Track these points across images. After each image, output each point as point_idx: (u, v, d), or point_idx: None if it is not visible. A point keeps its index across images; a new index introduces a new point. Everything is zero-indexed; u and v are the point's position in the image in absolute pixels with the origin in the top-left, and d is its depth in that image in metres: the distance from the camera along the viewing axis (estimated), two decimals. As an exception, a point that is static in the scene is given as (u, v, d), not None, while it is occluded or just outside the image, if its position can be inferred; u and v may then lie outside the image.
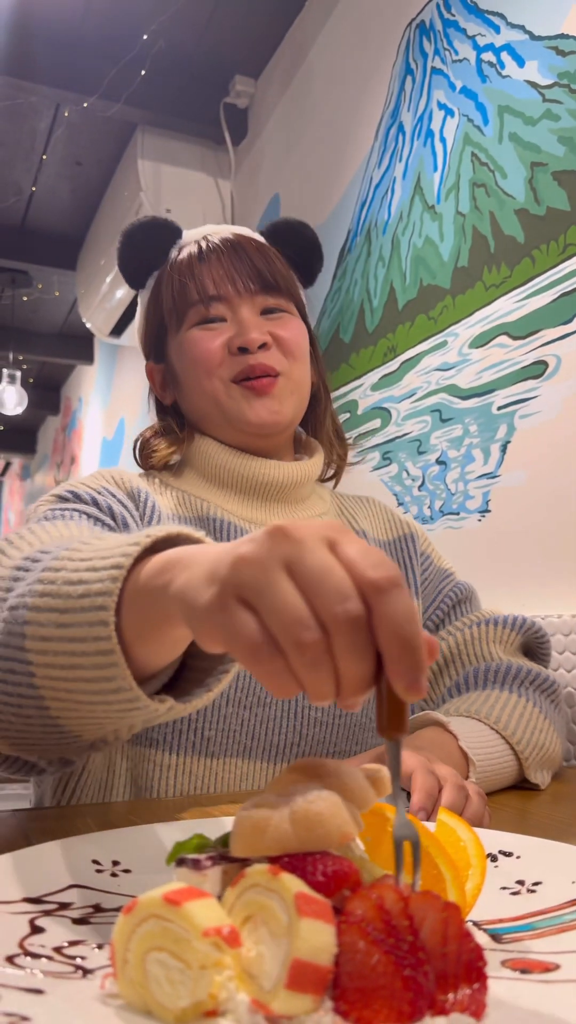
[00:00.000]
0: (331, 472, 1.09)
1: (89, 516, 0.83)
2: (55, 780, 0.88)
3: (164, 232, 0.99)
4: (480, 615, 1.03)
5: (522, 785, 0.87)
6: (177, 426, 1.00)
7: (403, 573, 1.03)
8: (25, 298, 4.23)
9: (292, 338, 0.95)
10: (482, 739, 0.83)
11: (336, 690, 0.36)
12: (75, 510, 0.83)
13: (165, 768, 0.84)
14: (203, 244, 0.95)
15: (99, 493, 0.88)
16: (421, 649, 0.35)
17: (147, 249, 0.99)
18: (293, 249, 1.01)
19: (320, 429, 1.06)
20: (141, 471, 1.01)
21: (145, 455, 1.01)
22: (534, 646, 1.02)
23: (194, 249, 0.95)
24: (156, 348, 1.01)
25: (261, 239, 1.00)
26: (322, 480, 1.08)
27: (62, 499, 0.86)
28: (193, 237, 0.98)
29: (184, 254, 0.95)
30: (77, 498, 0.86)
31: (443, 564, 1.09)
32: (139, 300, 1.03)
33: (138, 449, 1.03)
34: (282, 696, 0.37)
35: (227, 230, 0.99)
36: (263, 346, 0.92)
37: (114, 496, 0.89)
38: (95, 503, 0.86)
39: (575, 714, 1.17)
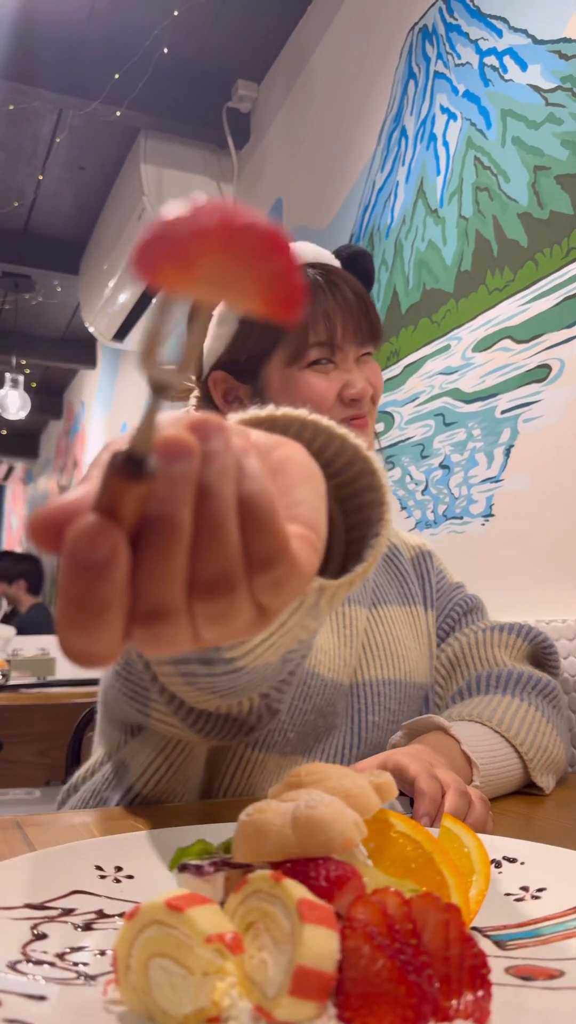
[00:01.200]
0: None
1: None
2: (144, 763, 0.87)
3: None
4: (488, 623, 1.05)
5: (527, 791, 0.87)
6: None
7: (423, 584, 1.07)
8: (29, 301, 4.24)
9: (379, 383, 0.98)
10: (485, 742, 0.83)
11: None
12: None
13: (243, 763, 0.87)
14: (336, 292, 0.95)
15: None
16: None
17: None
18: (362, 278, 1.01)
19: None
20: None
21: None
22: (541, 656, 1.03)
23: (327, 299, 0.94)
24: (244, 369, 0.98)
25: (361, 285, 1.00)
26: None
27: None
28: (312, 266, 0.96)
29: (319, 300, 0.94)
30: None
31: (453, 579, 1.12)
32: (225, 310, 1.00)
33: None
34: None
35: (324, 256, 0.98)
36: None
37: None
38: None
39: (572, 702, 1.16)
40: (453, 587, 1.10)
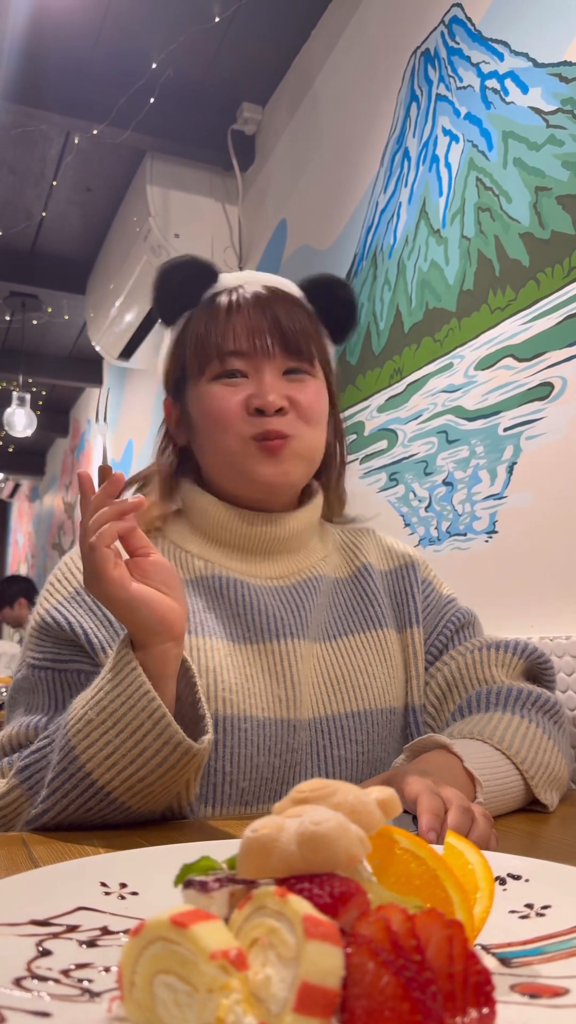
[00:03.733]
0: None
1: (58, 671, 0.89)
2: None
3: (200, 273, 0.98)
4: (482, 640, 1.02)
5: (531, 808, 0.86)
6: (174, 469, 1.01)
7: (405, 600, 1.04)
8: (35, 322, 4.27)
9: (309, 404, 0.94)
10: (487, 760, 0.82)
11: None
12: (54, 666, 0.89)
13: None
14: (233, 296, 0.95)
15: (77, 599, 0.91)
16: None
17: (182, 288, 0.98)
18: (328, 305, 1.00)
19: (330, 488, 1.06)
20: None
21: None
22: (537, 672, 1.01)
23: (223, 300, 0.94)
24: (176, 387, 1.01)
25: (296, 292, 0.99)
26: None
27: (44, 632, 0.90)
28: (227, 284, 0.97)
29: (213, 304, 0.95)
30: (52, 628, 0.89)
31: (445, 591, 1.08)
32: (168, 335, 1.03)
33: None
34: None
35: (263, 281, 0.97)
36: (279, 410, 0.92)
37: (89, 601, 0.90)
38: (73, 634, 0.88)
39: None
40: (444, 601, 1.06)
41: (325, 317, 1.00)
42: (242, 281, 0.97)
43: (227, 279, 0.98)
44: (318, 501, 1.02)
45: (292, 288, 0.99)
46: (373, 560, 1.06)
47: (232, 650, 0.90)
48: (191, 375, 0.96)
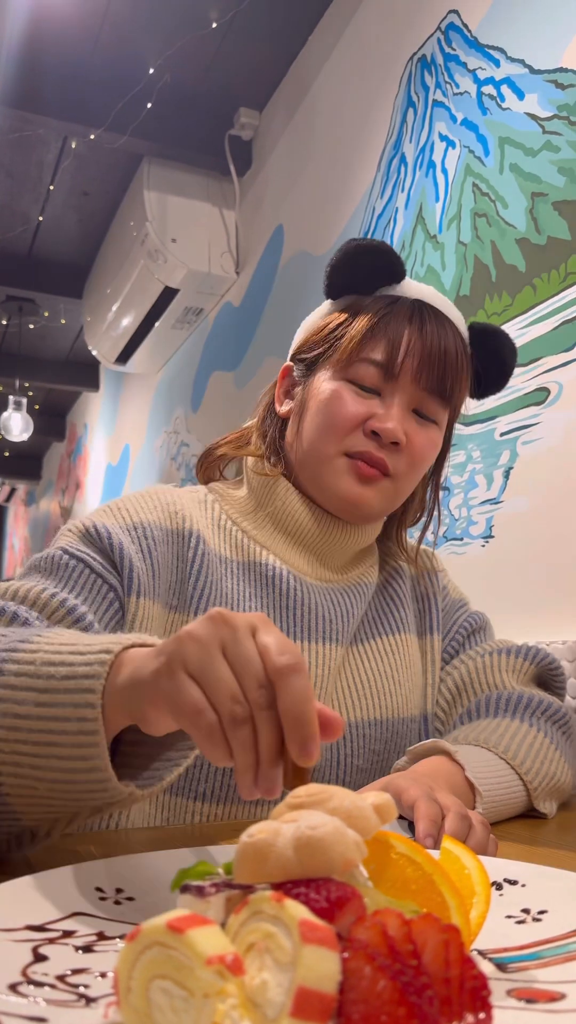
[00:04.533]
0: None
1: (94, 571, 0.81)
2: None
3: (388, 267, 0.91)
4: (493, 644, 1.02)
5: (529, 814, 0.86)
6: (276, 448, 0.97)
7: (428, 606, 1.02)
8: (32, 326, 4.27)
9: (423, 449, 0.90)
10: (489, 769, 0.81)
11: (255, 757, 0.46)
12: (92, 564, 0.81)
13: (212, 817, 0.84)
14: (418, 314, 0.89)
15: (131, 533, 0.85)
16: (312, 724, 0.45)
17: (364, 272, 0.91)
18: (484, 359, 0.95)
19: (400, 526, 1.03)
20: (205, 493, 0.97)
21: (213, 460, 0.99)
22: (548, 678, 1.00)
23: (405, 314, 0.89)
24: (307, 362, 0.95)
25: (464, 331, 0.94)
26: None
27: (85, 536, 0.84)
28: (412, 292, 0.92)
29: (396, 311, 0.89)
30: (100, 540, 0.83)
31: (457, 595, 1.08)
32: (325, 304, 0.97)
33: (205, 464, 1.00)
34: (215, 762, 0.46)
35: (445, 307, 0.92)
36: (395, 443, 0.88)
37: (146, 538, 0.86)
38: (112, 550, 0.82)
39: None
40: (457, 606, 1.06)
41: (477, 368, 0.95)
42: (423, 295, 0.92)
43: (410, 285, 0.93)
44: (382, 521, 1.00)
45: (462, 323, 0.95)
46: (404, 564, 1.05)
47: None
48: (332, 361, 0.91)
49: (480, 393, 0.98)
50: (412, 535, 1.06)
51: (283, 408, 0.97)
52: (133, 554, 0.83)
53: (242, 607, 0.88)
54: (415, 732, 0.97)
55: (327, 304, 0.96)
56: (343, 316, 0.92)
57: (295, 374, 0.97)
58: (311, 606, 0.91)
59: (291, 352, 0.99)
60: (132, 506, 0.89)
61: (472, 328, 0.95)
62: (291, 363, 0.98)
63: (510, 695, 0.93)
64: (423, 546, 1.09)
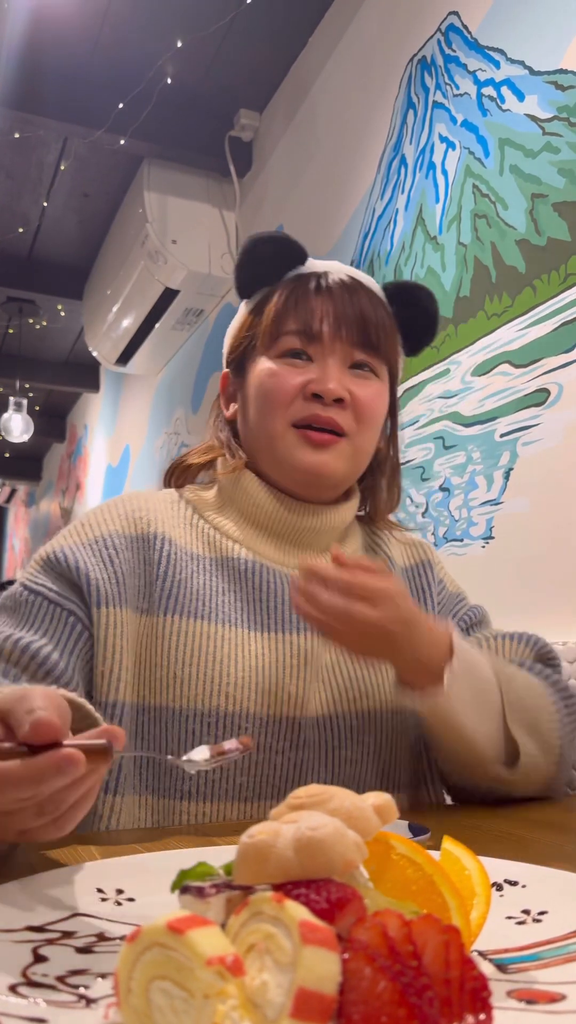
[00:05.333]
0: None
1: (51, 601, 0.84)
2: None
3: (291, 252, 0.95)
4: (495, 631, 1.02)
5: (525, 816, 0.86)
6: (232, 445, 0.99)
7: (423, 599, 1.02)
8: (33, 325, 4.27)
9: (369, 402, 0.91)
10: (474, 657, 0.84)
11: None
12: (48, 595, 0.84)
13: (201, 816, 0.83)
14: (321, 280, 0.92)
15: (91, 547, 0.88)
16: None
17: (267, 262, 0.95)
18: (408, 314, 0.97)
19: (376, 497, 1.04)
20: (178, 496, 0.99)
21: (182, 470, 1.01)
22: (545, 662, 1.00)
23: (312, 283, 0.92)
24: (239, 361, 0.98)
25: (380, 292, 0.97)
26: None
27: (45, 565, 0.87)
28: (314, 268, 0.95)
29: (299, 283, 0.93)
30: (58, 564, 0.86)
31: (455, 588, 1.07)
32: (241, 307, 1.01)
33: (175, 473, 1.02)
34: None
35: (349, 272, 0.95)
36: (339, 401, 0.89)
37: (107, 548, 0.88)
38: (70, 571, 0.85)
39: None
40: (455, 600, 1.05)
41: (402, 325, 0.97)
42: (328, 268, 0.95)
43: (314, 263, 0.96)
44: (355, 501, 1.00)
45: (375, 286, 0.97)
46: (395, 555, 1.04)
47: (246, 639, 0.87)
48: (259, 348, 0.94)
49: (414, 347, 1.00)
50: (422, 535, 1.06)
51: (229, 411, 1.01)
52: (92, 568, 0.85)
53: (215, 602, 0.88)
54: (409, 727, 0.95)
55: (242, 305, 1.00)
56: (258, 306, 0.95)
57: (232, 377, 1.01)
58: (285, 597, 0.90)
59: (224, 360, 1.02)
60: (93, 520, 0.91)
61: (387, 287, 0.97)
62: (226, 369, 1.02)
63: (522, 662, 0.95)
64: (420, 538, 1.09)
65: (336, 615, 0.77)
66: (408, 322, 0.97)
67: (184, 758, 0.60)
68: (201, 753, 0.60)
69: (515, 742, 0.85)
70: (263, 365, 0.92)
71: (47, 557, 0.87)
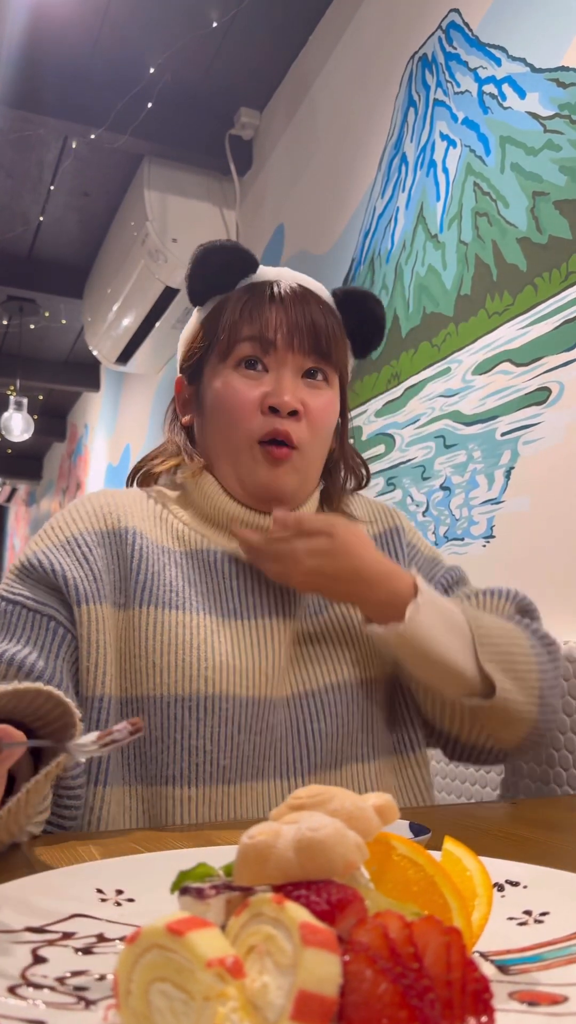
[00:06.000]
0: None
1: (30, 609, 0.86)
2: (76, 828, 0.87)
3: (242, 261, 0.98)
4: (474, 589, 1.04)
5: (526, 817, 0.86)
6: (189, 450, 1.01)
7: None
8: (32, 326, 4.27)
9: (321, 412, 0.95)
10: (442, 600, 0.92)
11: None
12: (27, 604, 0.86)
13: (185, 801, 0.85)
14: (274, 289, 0.95)
15: (65, 548, 0.90)
16: None
17: (219, 272, 0.98)
18: (356, 319, 1.01)
19: (335, 500, 1.06)
20: (145, 494, 1.02)
21: (145, 475, 1.05)
22: (525, 612, 1.04)
23: (264, 290, 0.95)
24: (194, 367, 1.01)
25: (328, 298, 1.00)
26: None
27: (21, 572, 0.89)
28: (266, 276, 0.98)
29: (252, 291, 0.96)
30: (34, 571, 0.88)
31: (429, 552, 1.09)
32: (194, 314, 1.03)
33: (138, 477, 1.06)
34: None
35: (299, 280, 0.98)
36: (293, 413, 0.92)
37: (79, 547, 0.90)
38: (48, 574, 0.87)
39: (574, 723, 1.16)
40: (431, 563, 1.06)
41: (351, 330, 1.01)
42: (279, 276, 0.98)
43: (265, 271, 0.99)
44: (313, 502, 1.02)
45: (325, 293, 1.00)
46: (362, 524, 1.06)
47: (219, 626, 0.90)
48: (214, 356, 0.96)
49: (363, 350, 1.03)
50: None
51: (185, 418, 1.03)
52: (67, 568, 0.88)
53: (187, 592, 0.91)
54: (380, 694, 0.98)
55: (195, 312, 1.02)
56: (212, 314, 0.98)
57: (186, 383, 1.03)
58: (253, 588, 0.93)
59: (179, 365, 1.04)
60: (63, 521, 0.93)
61: (336, 293, 1.01)
62: (181, 375, 1.04)
63: (507, 615, 0.99)
64: (386, 504, 1.11)
65: (280, 553, 0.87)
66: (357, 327, 1.01)
67: (72, 743, 0.61)
68: (89, 738, 0.61)
69: (490, 679, 0.89)
70: (221, 376, 0.95)
71: (22, 565, 0.89)
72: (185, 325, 1.05)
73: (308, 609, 0.97)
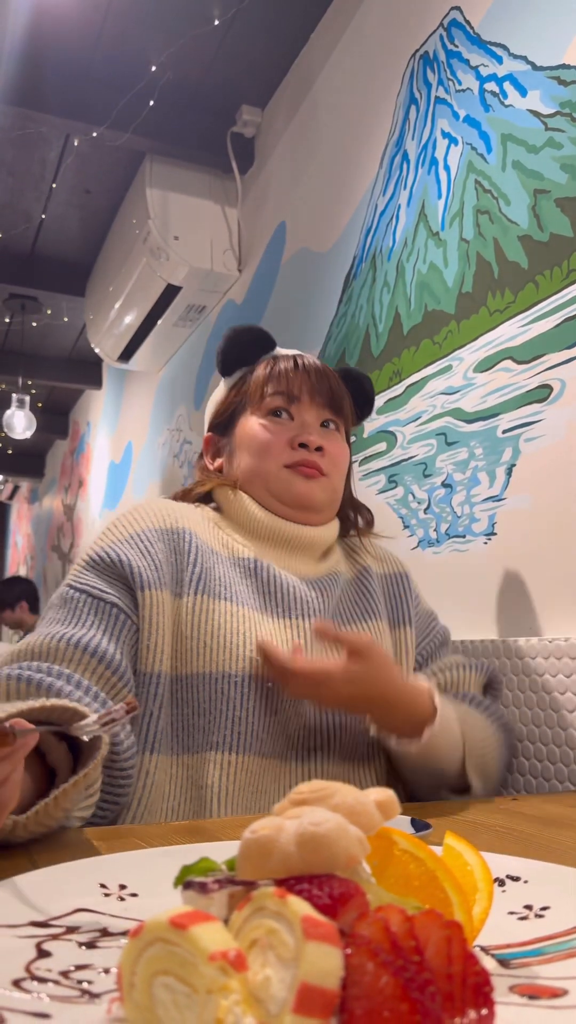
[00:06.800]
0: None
1: (95, 597, 0.98)
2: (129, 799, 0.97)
3: (264, 340, 1.20)
4: (457, 660, 1.21)
5: (527, 812, 0.86)
6: (224, 478, 1.20)
7: (400, 602, 1.22)
8: (34, 324, 4.27)
9: (338, 452, 1.16)
10: (449, 714, 1.03)
11: None
12: (92, 592, 0.98)
13: (226, 765, 0.96)
14: (299, 360, 1.17)
15: (130, 541, 1.03)
16: None
17: (246, 349, 1.20)
18: (352, 393, 1.23)
19: (349, 521, 1.27)
20: (194, 505, 1.18)
21: (184, 493, 1.22)
22: (492, 685, 1.23)
23: (290, 363, 1.16)
24: (224, 423, 1.21)
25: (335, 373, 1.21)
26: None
27: (90, 565, 1.01)
28: (288, 352, 1.19)
29: (282, 363, 1.16)
30: (102, 563, 1.01)
31: (427, 607, 1.27)
32: (222, 383, 1.24)
33: (180, 497, 1.21)
34: None
35: (314, 358, 1.20)
36: (319, 449, 1.12)
37: (143, 541, 1.03)
38: (116, 564, 1.00)
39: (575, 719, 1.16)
40: (429, 616, 1.25)
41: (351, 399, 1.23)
42: (299, 353, 1.20)
43: (283, 349, 1.21)
44: (335, 524, 1.21)
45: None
46: (371, 563, 1.24)
47: (261, 619, 1.04)
48: (247, 408, 1.16)
49: (357, 418, 1.26)
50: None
51: (215, 464, 1.23)
52: (133, 558, 1.00)
53: (233, 588, 1.05)
54: None
55: (223, 382, 1.24)
56: (242, 380, 1.20)
57: (217, 435, 1.23)
58: (288, 589, 1.09)
59: (208, 424, 1.25)
60: (127, 520, 1.07)
61: (338, 372, 1.22)
62: (210, 432, 1.24)
63: (474, 696, 1.15)
64: (392, 553, 1.30)
65: (316, 680, 0.96)
66: (354, 397, 1.24)
67: (78, 724, 0.66)
68: (92, 718, 0.66)
69: (468, 781, 1.04)
70: (253, 420, 1.15)
71: (91, 558, 1.02)
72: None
73: (337, 617, 1.13)
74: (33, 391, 5.02)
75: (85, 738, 0.66)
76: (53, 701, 0.68)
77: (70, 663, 0.90)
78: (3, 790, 0.57)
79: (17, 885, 0.50)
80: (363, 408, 1.26)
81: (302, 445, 1.12)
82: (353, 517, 1.27)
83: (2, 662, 0.91)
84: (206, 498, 1.20)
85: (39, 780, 0.71)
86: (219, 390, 1.24)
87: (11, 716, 0.63)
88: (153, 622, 0.97)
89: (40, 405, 5.47)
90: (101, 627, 0.95)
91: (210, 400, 1.26)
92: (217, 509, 1.19)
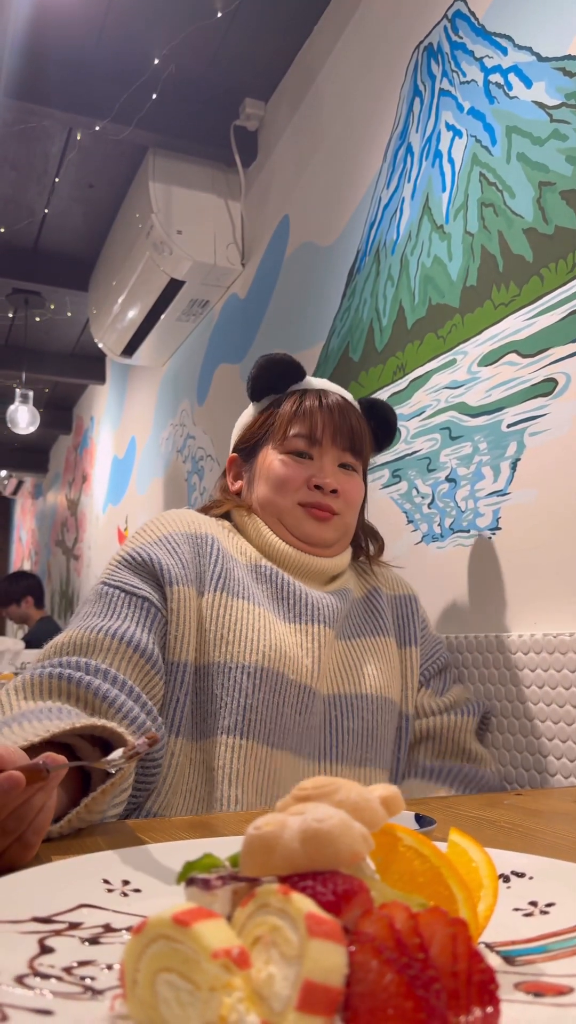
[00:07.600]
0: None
1: (128, 592, 1.05)
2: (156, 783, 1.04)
3: (294, 371, 1.26)
4: (454, 701, 1.27)
5: (531, 808, 0.86)
6: (241, 501, 1.28)
7: (407, 623, 1.29)
8: (38, 319, 4.27)
9: (353, 491, 1.23)
10: None
11: None
12: (126, 588, 1.06)
13: (236, 748, 1.02)
14: (323, 398, 1.22)
15: (159, 543, 1.12)
16: None
17: (276, 378, 1.25)
18: (376, 422, 1.30)
19: (363, 548, 1.35)
20: (217, 518, 1.26)
21: (203, 509, 1.29)
22: (484, 724, 1.31)
23: (315, 400, 1.22)
24: (250, 449, 1.27)
25: (358, 408, 1.27)
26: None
27: (123, 563, 1.09)
28: (314, 385, 1.26)
29: (307, 399, 1.22)
30: (134, 562, 1.09)
31: (432, 631, 1.34)
32: (250, 407, 1.31)
33: (198, 508, 1.29)
34: None
35: (340, 392, 1.26)
36: (334, 491, 1.19)
37: (170, 542, 1.12)
38: (147, 563, 1.08)
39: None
40: (434, 641, 1.32)
41: (372, 430, 1.29)
42: (325, 387, 1.26)
43: (311, 380, 1.27)
44: (347, 554, 1.28)
45: (354, 400, 1.28)
46: (381, 584, 1.32)
47: (276, 619, 1.12)
48: (270, 443, 1.23)
49: (379, 447, 1.32)
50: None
51: (235, 486, 1.30)
52: (162, 557, 1.09)
53: (251, 590, 1.13)
54: (393, 716, 1.20)
55: (252, 406, 1.30)
56: (270, 410, 1.26)
57: (241, 459, 1.30)
58: (302, 596, 1.16)
59: (233, 445, 1.32)
60: (156, 525, 1.17)
61: (361, 402, 1.30)
62: (235, 454, 1.31)
63: (459, 770, 1.21)
64: (401, 577, 1.38)
65: None
66: (375, 429, 1.30)
67: (105, 759, 0.72)
68: (117, 753, 0.72)
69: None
70: (274, 455, 1.22)
71: (123, 558, 1.11)
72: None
73: (347, 631, 1.21)
74: (37, 386, 5.02)
75: (112, 770, 0.70)
76: (93, 721, 0.75)
77: (107, 653, 0.97)
78: (39, 818, 0.62)
79: (20, 880, 0.49)
80: (385, 439, 1.32)
81: (318, 487, 1.19)
82: (365, 544, 1.34)
83: (44, 655, 0.98)
84: (224, 515, 1.28)
85: (71, 779, 0.77)
86: (247, 413, 1.31)
87: (55, 736, 0.71)
88: (180, 615, 1.06)
89: (44, 400, 5.47)
90: (135, 619, 1.02)
91: (238, 420, 1.33)
92: (234, 527, 1.26)
